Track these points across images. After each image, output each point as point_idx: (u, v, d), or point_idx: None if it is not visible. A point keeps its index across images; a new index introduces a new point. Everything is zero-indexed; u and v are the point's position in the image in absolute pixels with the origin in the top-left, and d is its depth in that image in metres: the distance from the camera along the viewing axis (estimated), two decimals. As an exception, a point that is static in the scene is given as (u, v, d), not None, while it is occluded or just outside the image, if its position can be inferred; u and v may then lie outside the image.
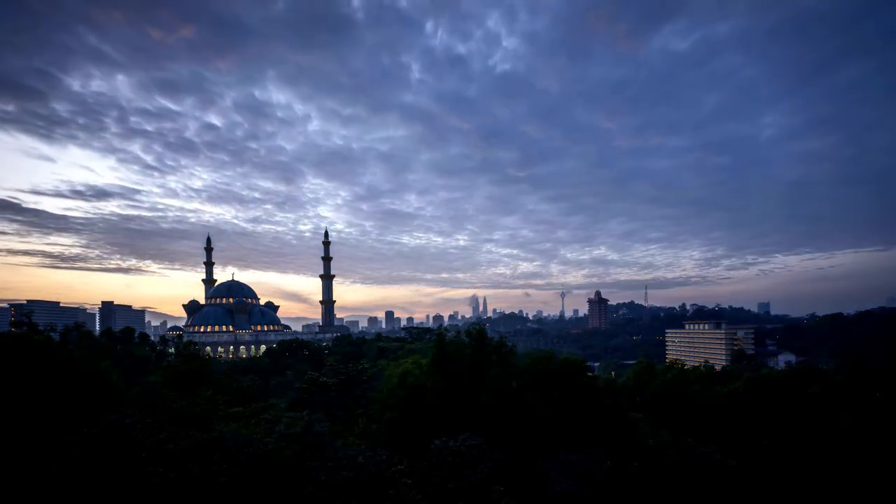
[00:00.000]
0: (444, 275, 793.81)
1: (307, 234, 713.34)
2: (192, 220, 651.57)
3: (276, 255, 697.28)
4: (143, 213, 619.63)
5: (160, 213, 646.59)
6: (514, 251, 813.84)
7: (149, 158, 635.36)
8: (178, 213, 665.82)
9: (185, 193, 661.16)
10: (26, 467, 20.02)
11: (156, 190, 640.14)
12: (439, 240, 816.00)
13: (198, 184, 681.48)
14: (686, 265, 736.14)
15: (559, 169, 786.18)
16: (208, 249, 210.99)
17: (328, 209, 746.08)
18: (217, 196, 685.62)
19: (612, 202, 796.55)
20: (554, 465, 22.31)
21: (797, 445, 30.33)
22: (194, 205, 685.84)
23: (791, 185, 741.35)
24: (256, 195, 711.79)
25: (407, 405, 26.29)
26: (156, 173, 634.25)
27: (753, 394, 35.51)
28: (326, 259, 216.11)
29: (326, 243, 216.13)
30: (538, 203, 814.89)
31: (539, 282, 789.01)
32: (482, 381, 27.06)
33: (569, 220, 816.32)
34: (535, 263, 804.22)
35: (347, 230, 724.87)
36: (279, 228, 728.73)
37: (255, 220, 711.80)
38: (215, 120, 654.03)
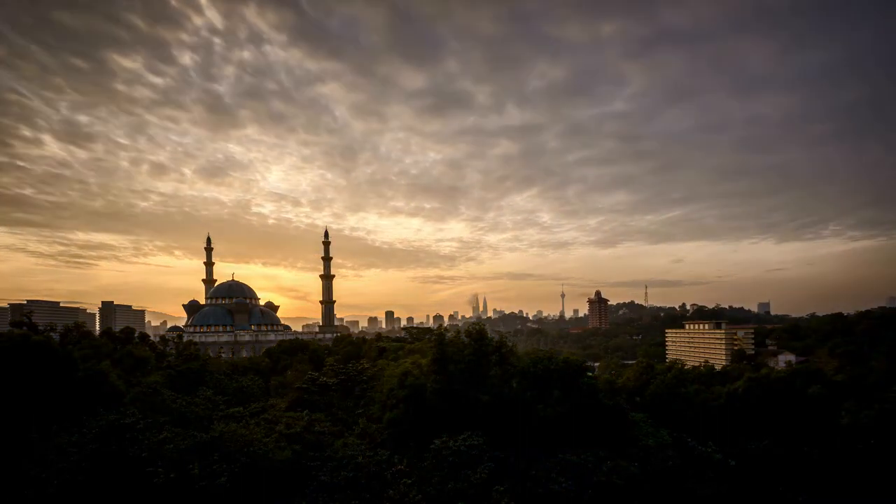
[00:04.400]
0: (445, 273, 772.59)
1: (307, 228, 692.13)
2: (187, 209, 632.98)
3: (274, 248, 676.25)
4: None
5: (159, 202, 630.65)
6: (519, 245, 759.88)
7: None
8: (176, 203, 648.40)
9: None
10: (27, 467, 20.00)
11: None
12: (430, 228, 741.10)
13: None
14: (727, 266, 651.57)
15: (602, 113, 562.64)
16: (208, 249, 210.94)
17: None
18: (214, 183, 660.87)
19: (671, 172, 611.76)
20: (554, 465, 22.30)
21: (798, 445, 30.33)
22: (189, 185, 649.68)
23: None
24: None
25: (407, 405, 26.28)
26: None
27: (753, 394, 35.52)
28: (326, 259, 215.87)
29: (326, 243, 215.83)
30: (568, 170, 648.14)
31: (541, 281, 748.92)
32: (482, 381, 27.05)
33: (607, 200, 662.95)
34: (545, 259, 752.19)
35: (340, 226, 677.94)
36: (280, 226, 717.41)
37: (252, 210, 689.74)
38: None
